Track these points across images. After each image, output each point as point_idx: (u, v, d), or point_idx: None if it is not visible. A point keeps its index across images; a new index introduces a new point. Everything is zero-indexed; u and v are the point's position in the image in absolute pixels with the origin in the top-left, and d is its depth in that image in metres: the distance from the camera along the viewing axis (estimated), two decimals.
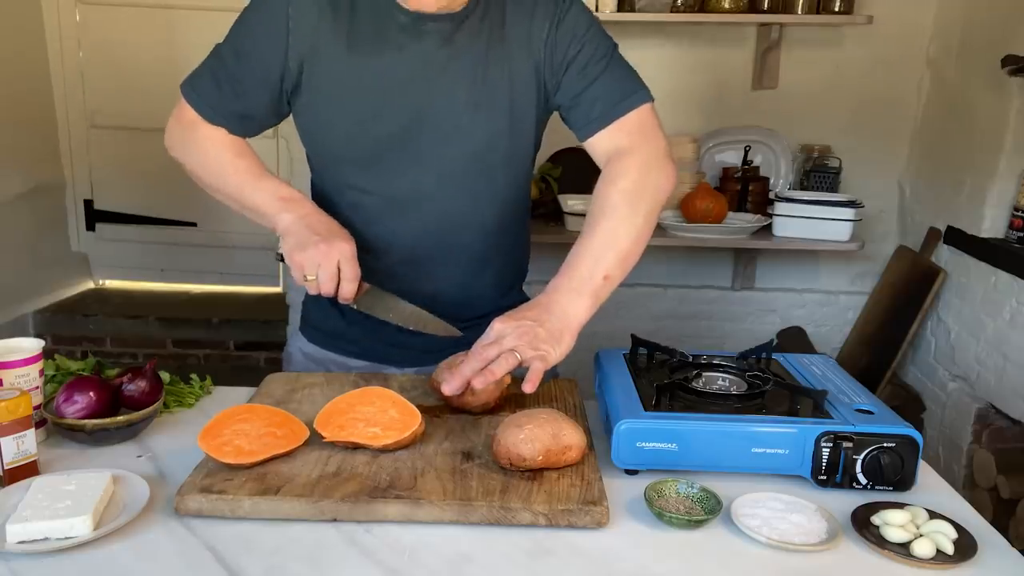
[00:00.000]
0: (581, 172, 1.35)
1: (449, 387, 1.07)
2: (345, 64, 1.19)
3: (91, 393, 1.08)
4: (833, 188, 2.82)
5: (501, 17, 1.22)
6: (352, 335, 1.36)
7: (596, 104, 1.24)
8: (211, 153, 1.26)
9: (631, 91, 1.26)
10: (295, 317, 3.17)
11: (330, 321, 1.37)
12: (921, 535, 0.89)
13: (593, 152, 1.28)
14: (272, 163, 3.29)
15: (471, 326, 1.22)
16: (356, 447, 1.01)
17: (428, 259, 1.29)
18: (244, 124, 1.26)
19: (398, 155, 1.23)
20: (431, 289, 1.28)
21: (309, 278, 1.15)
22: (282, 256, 1.19)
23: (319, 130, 1.25)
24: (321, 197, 1.32)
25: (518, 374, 1.08)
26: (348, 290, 1.16)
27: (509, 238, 1.35)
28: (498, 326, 1.08)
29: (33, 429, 0.99)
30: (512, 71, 1.22)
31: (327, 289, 1.15)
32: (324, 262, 1.13)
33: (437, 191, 1.25)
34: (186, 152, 1.29)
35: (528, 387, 1.05)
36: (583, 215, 2.53)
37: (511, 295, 1.39)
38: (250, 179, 1.23)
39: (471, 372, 1.05)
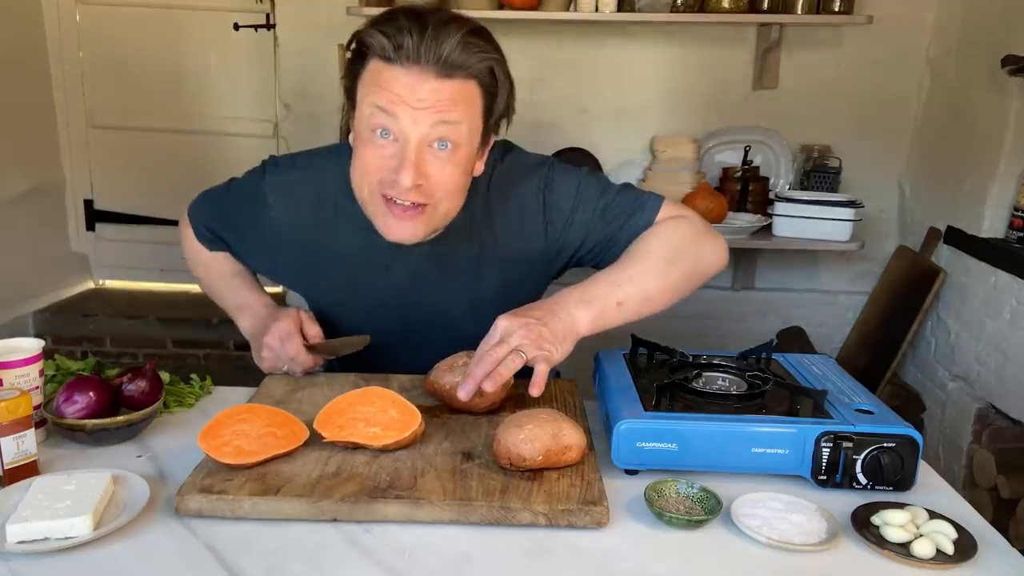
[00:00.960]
0: None
1: (465, 392, 1.03)
2: (332, 281, 1.28)
3: (91, 393, 1.08)
4: (833, 188, 2.82)
5: (491, 221, 1.24)
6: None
7: (622, 231, 1.23)
8: (194, 253, 1.44)
9: (644, 202, 1.25)
10: None
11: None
12: (921, 535, 0.89)
13: None
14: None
15: None
16: (356, 447, 1.01)
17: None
18: (236, 256, 1.41)
19: (392, 348, 1.31)
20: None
21: (283, 370, 1.27)
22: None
23: (311, 305, 1.38)
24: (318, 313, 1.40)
25: (519, 373, 1.08)
26: (303, 364, 1.25)
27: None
28: (503, 323, 1.06)
29: (33, 429, 0.99)
30: (509, 270, 1.27)
31: (299, 370, 1.26)
32: (280, 360, 1.25)
33: (435, 357, 1.24)
34: (181, 244, 1.48)
35: (535, 391, 1.03)
36: None
37: None
38: (221, 282, 1.41)
39: (482, 374, 1.03)
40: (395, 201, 1.10)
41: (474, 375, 1.04)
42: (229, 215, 1.34)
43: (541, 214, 1.24)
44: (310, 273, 1.31)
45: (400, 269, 1.25)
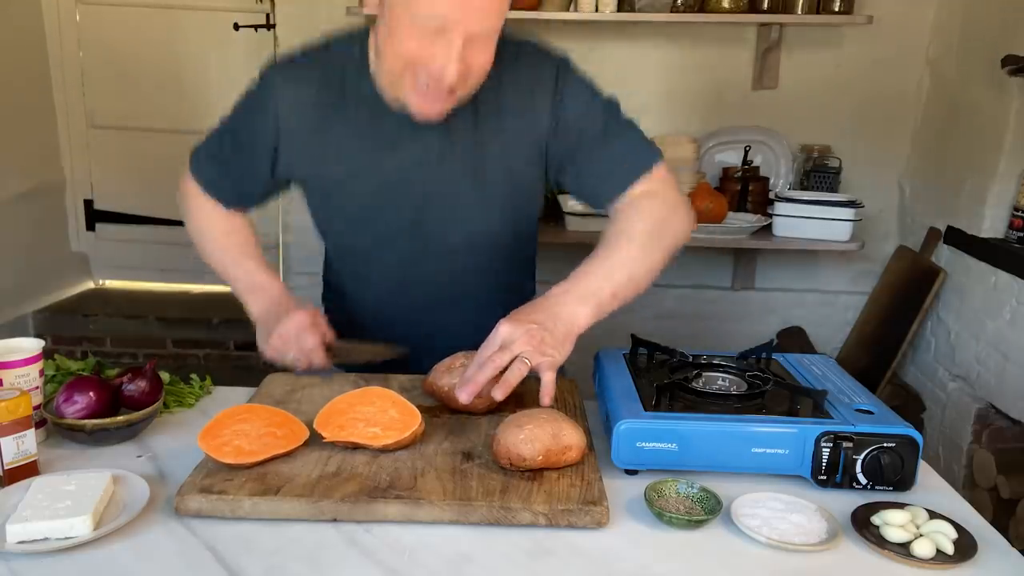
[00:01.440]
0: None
1: (465, 395, 1.04)
2: (341, 165, 1.24)
3: (91, 393, 1.08)
4: (833, 188, 2.82)
5: (497, 105, 1.22)
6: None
7: (615, 170, 1.23)
8: (204, 225, 1.36)
9: (645, 152, 1.25)
10: None
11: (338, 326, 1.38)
12: (921, 535, 0.89)
13: (611, 212, 1.27)
14: None
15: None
16: (356, 447, 1.01)
17: (437, 322, 1.33)
18: (241, 201, 1.35)
19: (401, 244, 1.28)
20: (442, 342, 1.26)
21: (287, 360, 1.23)
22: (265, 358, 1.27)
23: (320, 223, 1.33)
24: (330, 267, 1.39)
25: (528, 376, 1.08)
26: (315, 360, 1.22)
27: (516, 277, 1.38)
28: (505, 329, 1.06)
29: (33, 429, 0.99)
30: (512, 155, 1.24)
31: (304, 365, 1.22)
32: (290, 351, 1.21)
33: (445, 267, 1.28)
34: (186, 218, 1.38)
35: (547, 400, 1.04)
36: (582, 215, 2.53)
37: None
38: (232, 258, 1.33)
39: (484, 380, 1.03)
40: (428, 85, 1.09)
41: (476, 380, 1.03)
42: (231, 131, 1.29)
43: (550, 98, 1.22)
44: (315, 160, 1.24)
45: (407, 147, 1.21)
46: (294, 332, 1.21)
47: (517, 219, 1.32)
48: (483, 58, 1.10)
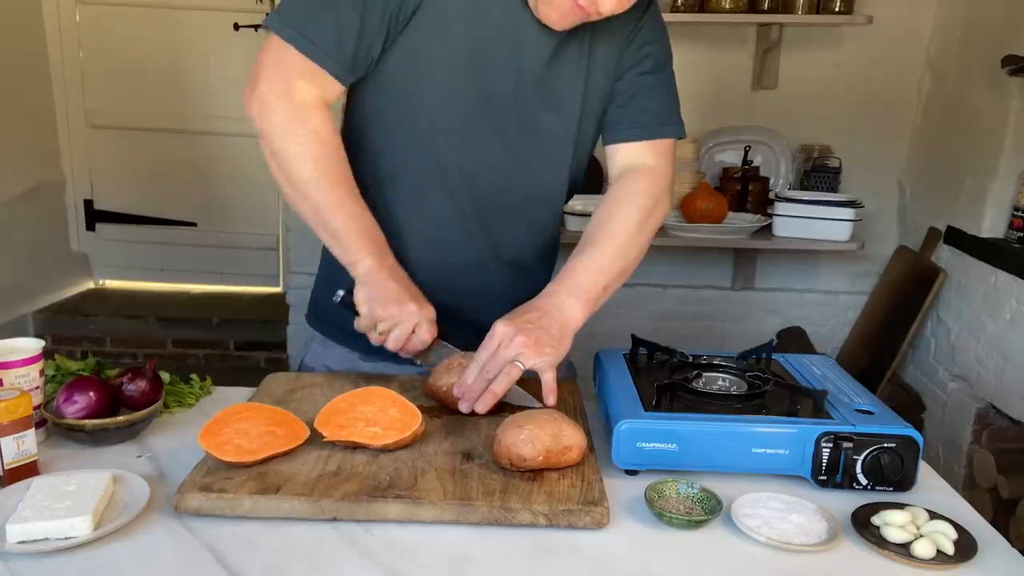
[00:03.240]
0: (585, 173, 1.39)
1: (466, 406, 1.07)
2: (459, 21, 1.10)
3: (91, 393, 1.08)
4: (833, 188, 2.82)
5: (607, 26, 1.17)
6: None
7: (645, 114, 1.25)
8: (313, 151, 1.08)
9: (676, 118, 1.28)
10: (296, 317, 3.18)
11: (342, 318, 1.36)
12: (921, 535, 0.89)
13: (614, 155, 1.28)
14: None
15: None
16: (356, 447, 1.01)
17: (492, 227, 1.24)
18: (354, 59, 1.09)
19: (494, 122, 1.16)
20: (464, 295, 1.24)
21: (381, 332, 1.14)
22: (345, 301, 1.17)
23: (414, 78, 1.12)
24: (373, 178, 1.20)
25: (528, 375, 1.08)
26: (416, 345, 1.14)
27: (547, 262, 1.34)
28: (501, 329, 1.06)
29: (33, 429, 0.98)
30: (604, 63, 1.21)
31: (395, 347, 1.14)
32: (405, 323, 1.12)
33: (510, 164, 1.20)
34: (286, 141, 1.08)
35: (551, 400, 1.05)
36: (583, 215, 2.53)
37: None
38: (344, 200, 1.11)
39: (482, 389, 1.05)
40: (581, 5, 1.05)
41: (473, 389, 1.05)
42: None
43: (634, 22, 1.21)
44: (435, 22, 1.10)
45: (529, 20, 1.12)
46: (420, 320, 1.12)
47: (581, 139, 1.26)
48: None
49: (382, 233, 1.16)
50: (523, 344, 1.04)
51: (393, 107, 1.16)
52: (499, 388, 1.04)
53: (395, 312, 1.12)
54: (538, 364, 1.05)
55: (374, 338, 1.16)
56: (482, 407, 1.06)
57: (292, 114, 1.07)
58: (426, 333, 1.14)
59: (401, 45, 1.11)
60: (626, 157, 1.27)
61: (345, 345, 1.35)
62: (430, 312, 1.15)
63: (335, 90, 1.11)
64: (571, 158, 1.25)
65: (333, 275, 1.26)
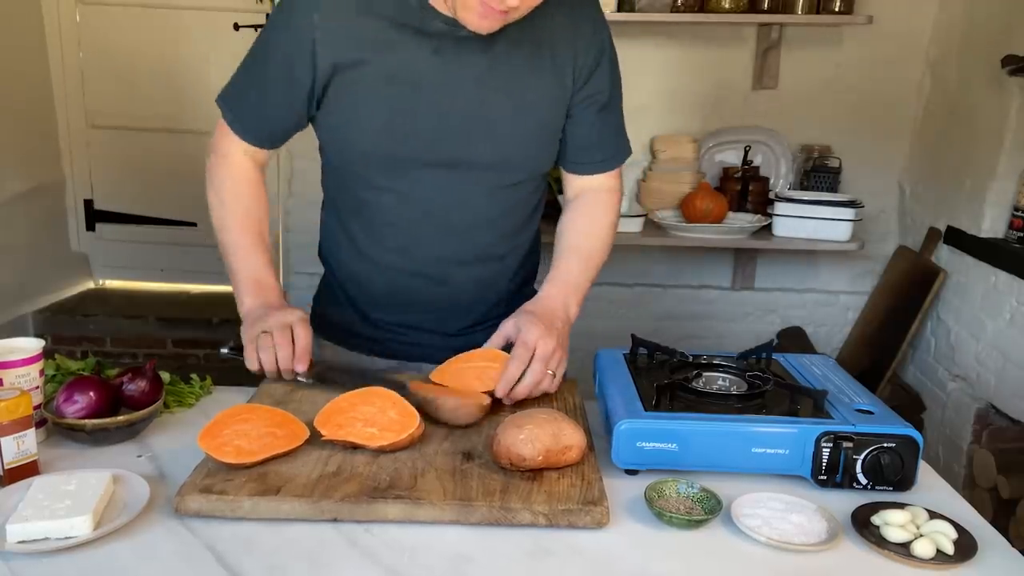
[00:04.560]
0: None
1: (507, 396, 1.14)
2: (378, 65, 1.17)
3: (91, 393, 1.08)
4: (833, 188, 2.82)
5: (551, 34, 1.21)
6: (368, 334, 1.37)
7: (605, 149, 1.34)
8: (226, 190, 1.29)
9: (626, 143, 1.37)
10: None
11: (346, 318, 1.38)
12: (921, 535, 0.89)
13: (571, 180, 1.36)
14: (272, 163, 3.30)
15: (484, 327, 1.31)
16: (355, 447, 1.01)
17: (448, 259, 1.30)
18: (271, 135, 1.29)
19: (427, 157, 1.23)
20: (447, 291, 1.32)
21: (263, 350, 1.17)
22: (230, 350, 1.25)
23: (348, 129, 1.23)
24: (338, 202, 1.33)
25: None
26: (302, 350, 1.18)
27: (525, 236, 1.37)
28: (534, 333, 1.15)
29: (33, 429, 0.99)
30: (549, 86, 1.24)
31: (284, 356, 1.17)
32: (280, 328, 1.18)
33: (462, 194, 1.26)
34: (209, 177, 1.31)
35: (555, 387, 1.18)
36: None
37: (525, 290, 1.41)
38: (244, 245, 1.27)
39: (525, 391, 1.14)
40: (489, 4, 1.07)
41: (519, 386, 1.14)
42: (263, 45, 1.24)
43: (596, 51, 1.25)
44: (353, 61, 1.18)
45: (450, 60, 1.18)
46: (292, 320, 1.19)
47: (541, 156, 1.30)
48: None
49: (272, 275, 1.28)
50: (559, 357, 1.17)
51: (335, 154, 1.29)
52: (532, 395, 1.15)
53: (269, 323, 1.19)
54: (561, 364, 1.18)
55: (265, 361, 1.18)
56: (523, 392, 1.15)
57: (215, 166, 1.30)
58: (303, 333, 1.19)
59: (326, 110, 1.23)
60: (587, 181, 1.36)
61: (357, 349, 1.40)
62: (296, 313, 1.21)
63: (261, 153, 1.31)
64: (506, 183, 1.28)
65: (334, 288, 1.40)
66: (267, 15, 3.26)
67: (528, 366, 1.14)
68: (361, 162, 1.26)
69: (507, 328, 1.20)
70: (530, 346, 1.14)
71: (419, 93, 1.19)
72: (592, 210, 1.35)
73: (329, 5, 1.17)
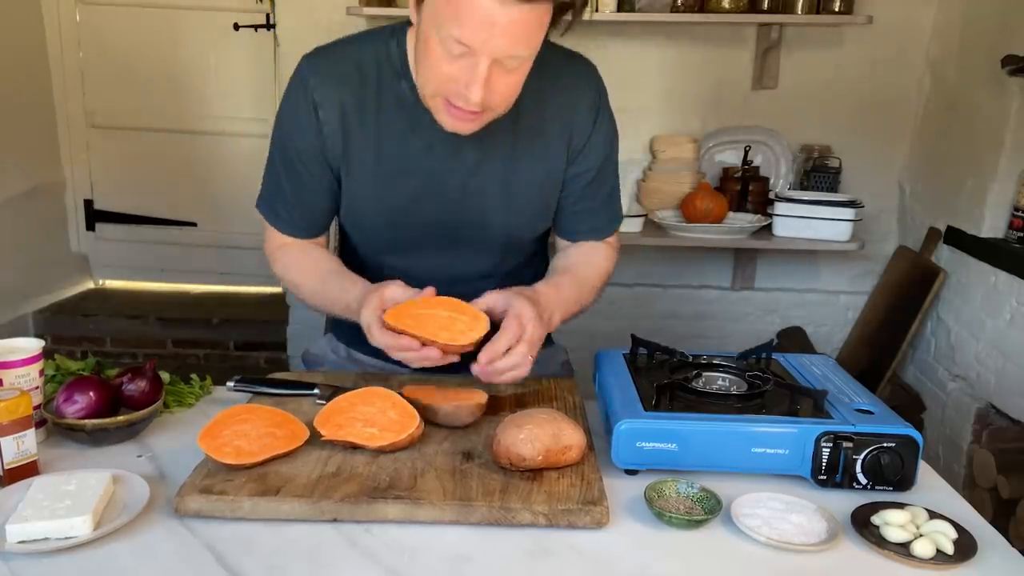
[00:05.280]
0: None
1: (485, 377, 1.09)
2: (376, 163, 1.23)
3: (91, 393, 1.08)
4: (833, 188, 2.82)
5: (539, 118, 1.23)
6: None
7: (598, 218, 1.36)
8: (295, 277, 1.34)
9: (618, 210, 1.39)
10: (296, 317, 3.18)
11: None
12: (921, 535, 0.89)
13: (563, 243, 1.39)
14: None
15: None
16: (355, 447, 1.01)
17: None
18: (315, 224, 1.33)
19: (431, 243, 1.29)
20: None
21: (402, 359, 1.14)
22: (236, 383, 1.23)
23: (354, 222, 1.33)
24: (354, 263, 1.37)
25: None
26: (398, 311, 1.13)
27: (528, 275, 1.37)
28: (531, 312, 1.09)
29: (33, 429, 0.99)
30: (546, 161, 1.26)
31: (410, 357, 1.11)
32: (382, 347, 1.11)
33: (466, 266, 1.31)
34: (277, 272, 1.37)
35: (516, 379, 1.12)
36: None
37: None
38: (333, 291, 1.27)
39: (509, 374, 1.09)
40: (456, 105, 1.09)
41: (500, 362, 1.07)
42: (281, 153, 1.27)
43: (592, 122, 1.27)
44: (350, 157, 1.23)
45: (442, 154, 1.22)
46: (378, 345, 1.12)
47: (538, 227, 1.36)
48: (514, 80, 1.09)
49: (349, 288, 1.24)
50: (539, 347, 1.11)
51: (352, 229, 1.36)
52: (507, 378, 1.09)
53: (373, 342, 1.12)
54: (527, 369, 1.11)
55: (412, 360, 1.13)
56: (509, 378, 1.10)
57: (275, 261, 1.36)
58: (391, 300, 1.14)
59: (343, 193, 1.29)
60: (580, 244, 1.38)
61: (368, 352, 1.39)
62: (368, 314, 1.12)
63: (315, 236, 1.36)
64: (500, 250, 1.33)
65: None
66: (267, 15, 3.26)
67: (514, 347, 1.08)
68: (363, 242, 1.35)
69: (492, 299, 1.14)
70: (523, 323, 1.08)
71: (416, 187, 1.23)
72: (589, 249, 1.37)
73: (328, 103, 1.20)
